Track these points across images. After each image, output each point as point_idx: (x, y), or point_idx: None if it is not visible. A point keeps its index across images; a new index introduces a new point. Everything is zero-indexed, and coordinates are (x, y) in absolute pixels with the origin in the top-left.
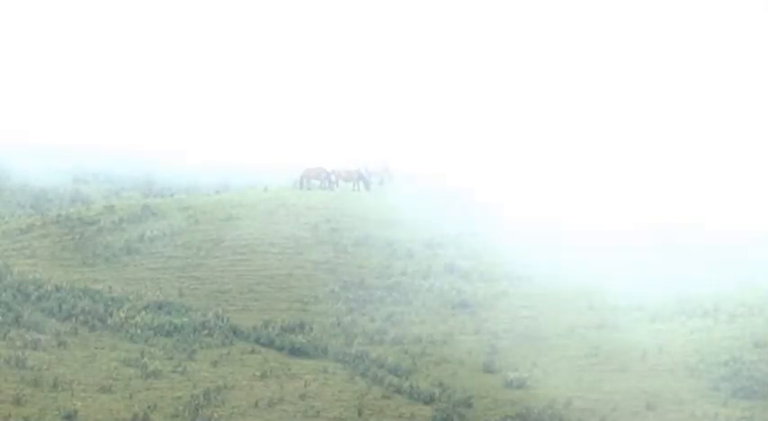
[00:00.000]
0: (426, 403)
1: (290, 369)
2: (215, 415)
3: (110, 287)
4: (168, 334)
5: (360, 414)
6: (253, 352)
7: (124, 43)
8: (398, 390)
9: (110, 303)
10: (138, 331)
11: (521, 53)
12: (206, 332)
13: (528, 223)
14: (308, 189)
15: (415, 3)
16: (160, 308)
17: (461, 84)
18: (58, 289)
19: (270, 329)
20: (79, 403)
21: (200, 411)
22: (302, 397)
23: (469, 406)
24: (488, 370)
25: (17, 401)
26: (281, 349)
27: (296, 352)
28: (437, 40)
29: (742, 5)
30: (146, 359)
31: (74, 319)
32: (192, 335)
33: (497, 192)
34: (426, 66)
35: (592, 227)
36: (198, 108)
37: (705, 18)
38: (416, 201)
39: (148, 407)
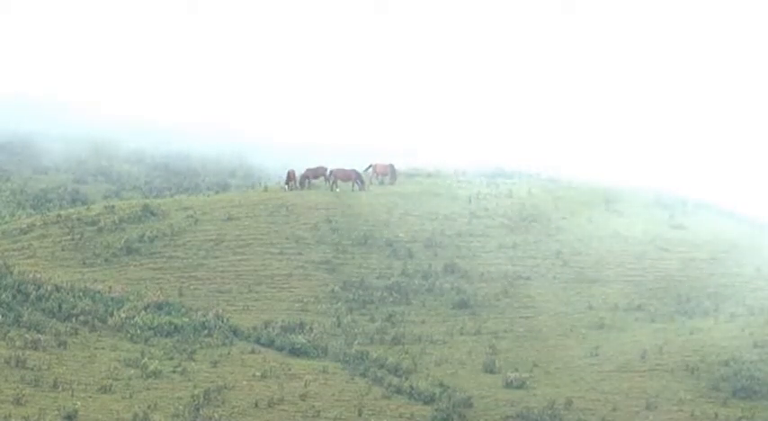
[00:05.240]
0: (426, 403)
1: (290, 369)
2: (215, 415)
3: (110, 287)
4: (168, 334)
5: (360, 414)
6: (253, 352)
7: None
8: (398, 390)
9: (110, 303)
10: (138, 331)
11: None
12: (206, 332)
13: None
14: (309, 188)
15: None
16: (160, 308)
17: (463, 84)
18: (58, 289)
19: (270, 329)
20: (79, 403)
21: (200, 411)
22: (302, 397)
23: (469, 406)
24: (488, 370)
25: (17, 401)
26: (281, 349)
27: (296, 352)
28: (447, 40)
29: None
30: (146, 359)
31: (74, 319)
32: (192, 335)
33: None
34: (435, 64)
35: None
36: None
37: None
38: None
39: (148, 407)
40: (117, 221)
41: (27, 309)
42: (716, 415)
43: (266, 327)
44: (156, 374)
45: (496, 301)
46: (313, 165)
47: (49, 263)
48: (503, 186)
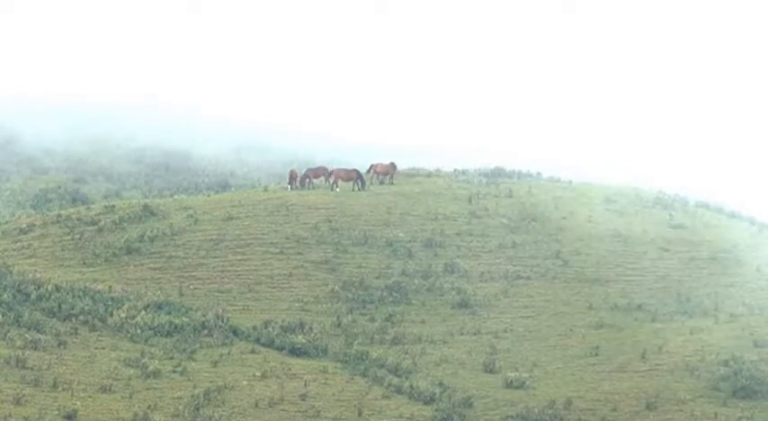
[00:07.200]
0: (426, 403)
1: (290, 369)
2: (215, 415)
3: (110, 287)
4: (168, 334)
5: (360, 414)
6: (253, 352)
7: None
8: (398, 390)
9: (110, 303)
10: (138, 331)
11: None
12: (206, 332)
13: None
14: (310, 188)
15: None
16: (160, 308)
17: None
18: (58, 289)
19: (270, 329)
20: (79, 403)
21: (200, 411)
22: (302, 397)
23: (469, 406)
24: (488, 370)
25: (17, 401)
26: (281, 349)
27: (296, 352)
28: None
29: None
30: (146, 359)
31: (74, 319)
32: (192, 335)
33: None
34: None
35: None
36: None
37: None
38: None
39: (148, 407)
40: (117, 221)
41: (27, 308)
42: (716, 415)
43: (266, 327)
44: (156, 374)
45: (496, 301)
46: (314, 165)
47: (49, 263)
48: (503, 186)
